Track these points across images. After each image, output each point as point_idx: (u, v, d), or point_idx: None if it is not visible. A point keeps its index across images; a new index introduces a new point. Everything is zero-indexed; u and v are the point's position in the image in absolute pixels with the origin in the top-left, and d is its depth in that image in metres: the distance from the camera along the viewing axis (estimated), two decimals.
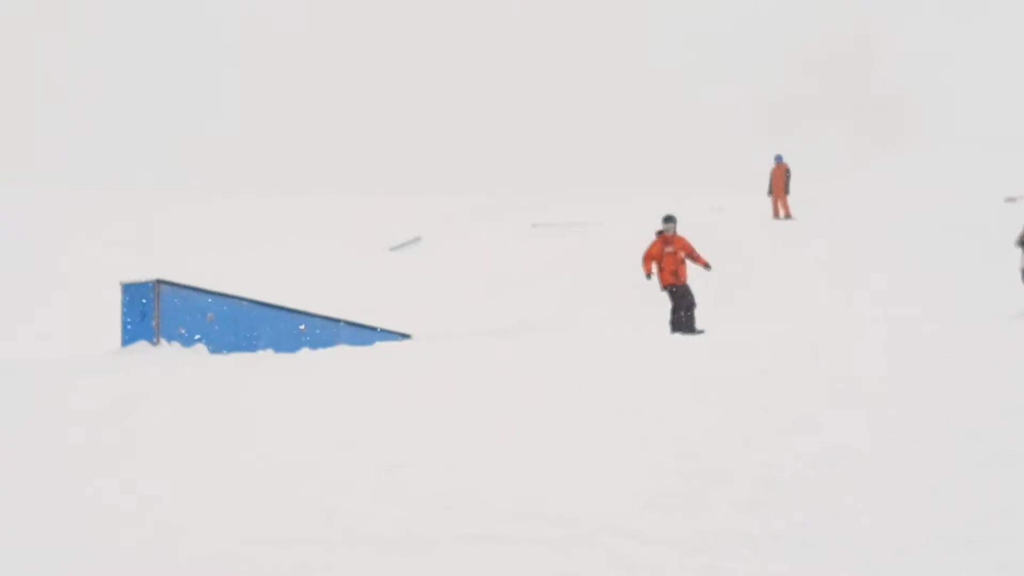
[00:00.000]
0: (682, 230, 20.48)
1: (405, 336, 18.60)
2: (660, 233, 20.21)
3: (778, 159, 36.55)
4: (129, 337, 15.88)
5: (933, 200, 37.51)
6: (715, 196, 43.44)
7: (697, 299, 19.93)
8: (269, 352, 15.98)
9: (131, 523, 8.18)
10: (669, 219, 20.34)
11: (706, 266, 20.06)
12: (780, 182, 36.33)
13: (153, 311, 15.69)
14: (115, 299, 16.37)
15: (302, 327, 17.05)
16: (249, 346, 16.54)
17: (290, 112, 59.12)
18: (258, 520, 8.20)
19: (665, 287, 20.05)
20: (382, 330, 18.41)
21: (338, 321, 17.71)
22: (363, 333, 17.76)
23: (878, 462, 9.02)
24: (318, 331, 17.27)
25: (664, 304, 20.43)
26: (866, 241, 30.25)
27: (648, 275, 20.09)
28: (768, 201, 37.26)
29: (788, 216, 36.25)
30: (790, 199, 36.65)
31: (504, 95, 61.75)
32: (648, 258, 20.08)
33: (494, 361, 13.85)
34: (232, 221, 40.01)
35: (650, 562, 7.24)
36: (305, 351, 15.83)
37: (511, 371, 13.12)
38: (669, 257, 19.99)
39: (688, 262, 20.15)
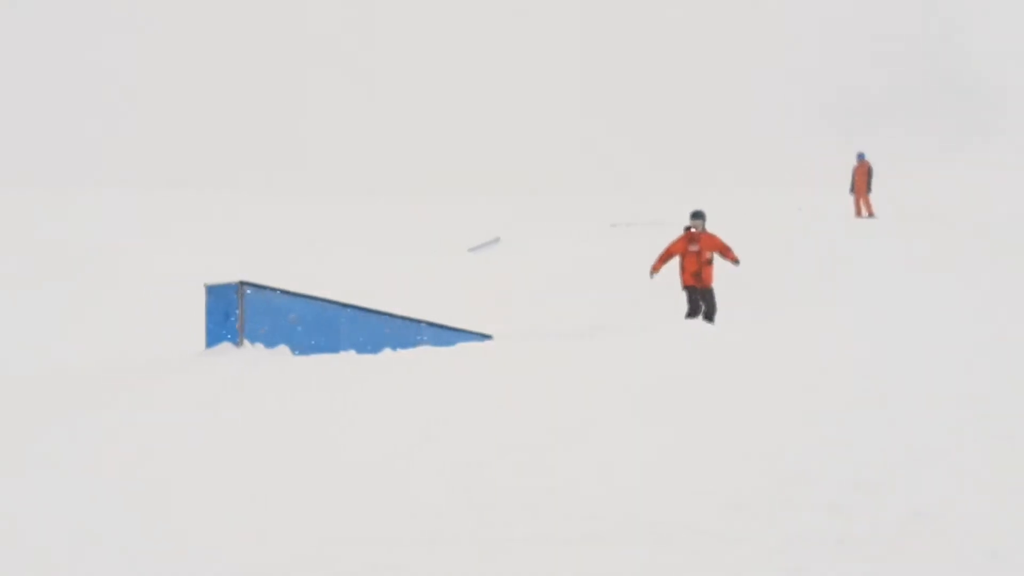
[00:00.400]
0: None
1: (486, 337, 18.54)
2: (688, 229, 19.08)
3: (860, 157, 36.22)
4: (213, 338, 15.96)
5: (1018, 199, 36.98)
6: (795, 194, 43.11)
7: (719, 302, 18.97)
8: (351, 353, 15.99)
9: (215, 525, 8.24)
10: (697, 215, 19.15)
11: (735, 261, 18.94)
12: (862, 180, 35.98)
13: (236, 312, 15.77)
14: (198, 301, 16.48)
15: (387, 330, 17.04)
16: (331, 347, 16.56)
17: (363, 114, 59.39)
18: (340, 520, 8.24)
19: (685, 287, 19.00)
20: (463, 331, 18.36)
21: (419, 322, 17.71)
22: (444, 334, 17.73)
23: (962, 462, 8.90)
24: (400, 332, 17.26)
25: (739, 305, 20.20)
26: (949, 240, 29.85)
27: (653, 273, 19.01)
28: (850, 200, 36.91)
29: (870, 215, 35.88)
30: (872, 197, 36.29)
31: (578, 93, 61.65)
32: (665, 254, 18.93)
33: (575, 361, 13.79)
34: (310, 224, 40.26)
35: (734, 563, 7.18)
36: (387, 352, 15.83)
37: (592, 371, 13.05)
38: (692, 256, 18.89)
39: (720, 259, 19.05)
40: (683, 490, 8.55)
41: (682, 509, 8.15)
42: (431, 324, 17.93)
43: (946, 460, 8.96)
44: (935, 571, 6.97)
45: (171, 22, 62.68)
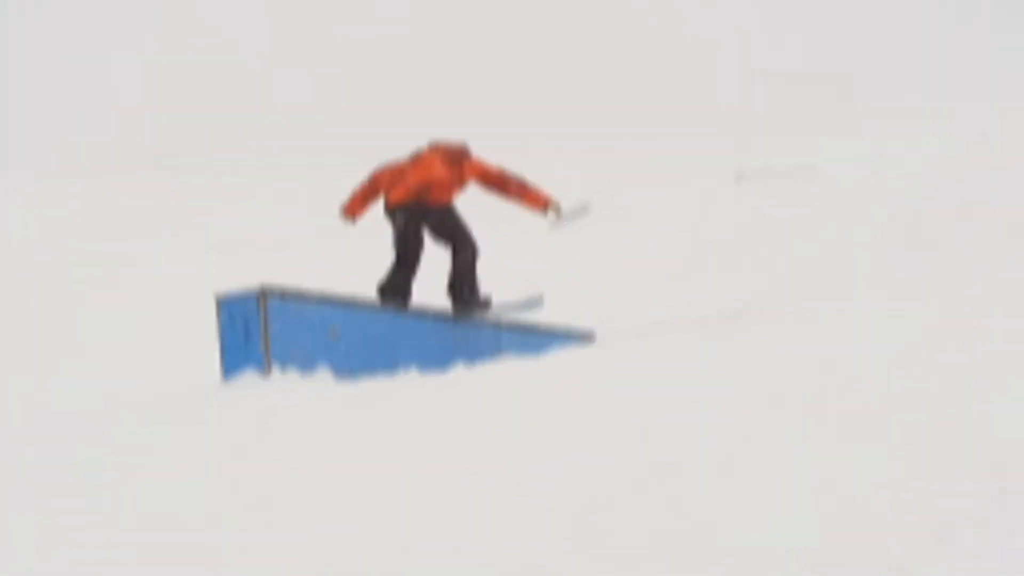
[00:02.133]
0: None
1: (586, 335, 18.16)
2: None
3: None
4: (231, 366, 15.36)
5: None
6: (978, 114, 42.34)
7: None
8: (413, 374, 15.49)
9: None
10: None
11: None
12: None
13: (260, 330, 15.19)
14: (208, 316, 16.13)
15: (456, 338, 16.68)
16: (386, 365, 16.05)
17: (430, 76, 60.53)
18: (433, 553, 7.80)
19: None
20: (554, 332, 17.88)
21: (498, 325, 17.30)
22: (530, 339, 17.26)
23: None
24: (472, 340, 16.90)
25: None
26: None
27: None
28: None
29: None
30: None
31: (684, 26, 62.06)
32: None
33: (705, 365, 13.06)
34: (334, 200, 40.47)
35: None
36: (459, 369, 15.22)
37: (728, 377, 12.29)
38: None
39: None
40: (880, 517, 8.10)
41: (881, 542, 7.74)
42: (512, 326, 17.49)
43: None
44: None
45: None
